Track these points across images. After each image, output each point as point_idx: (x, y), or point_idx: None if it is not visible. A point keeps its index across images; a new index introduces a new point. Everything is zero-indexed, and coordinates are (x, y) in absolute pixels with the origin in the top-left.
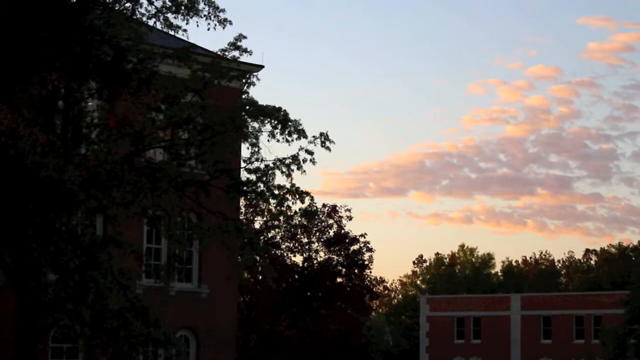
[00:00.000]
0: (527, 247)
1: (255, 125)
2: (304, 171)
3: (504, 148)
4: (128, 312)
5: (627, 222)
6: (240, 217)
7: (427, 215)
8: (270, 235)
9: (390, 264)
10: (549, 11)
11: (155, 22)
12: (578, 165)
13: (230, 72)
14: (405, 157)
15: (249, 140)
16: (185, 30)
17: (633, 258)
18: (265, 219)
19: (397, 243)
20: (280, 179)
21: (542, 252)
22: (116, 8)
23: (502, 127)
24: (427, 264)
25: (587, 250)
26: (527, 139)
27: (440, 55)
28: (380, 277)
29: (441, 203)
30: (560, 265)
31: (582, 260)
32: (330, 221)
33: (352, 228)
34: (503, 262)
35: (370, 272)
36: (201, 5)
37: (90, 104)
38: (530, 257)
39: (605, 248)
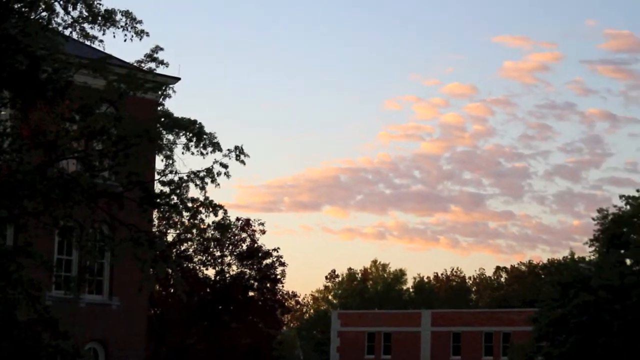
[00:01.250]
0: (439, 263)
1: (170, 137)
2: (218, 184)
3: (418, 164)
4: (37, 324)
5: (538, 240)
6: (153, 230)
7: (341, 230)
8: (182, 248)
9: (303, 279)
10: (465, 29)
11: (71, 32)
12: (491, 183)
13: (146, 83)
14: (320, 172)
15: (164, 152)
16: (101, 41)
17: (542, 276)
18: (178, 231)
19: (310, 258)
20: (194, 191)
21: (453, 269)
22: (32, 17)
23: (417, 144)
24: (340, 279)
25: (498, 268)
26: (442, 156)
27: (357, 71)
28: (293, 292)
29: (355, 218)
30: (470, 282)
31: (492, 278)
32: (244, 235)
33: (266, 242)
34: (415, 278)
35: (283, 286)
36: (118, 16)
37: (3, 113)
38: (442, 274)
39: (516, 265)
